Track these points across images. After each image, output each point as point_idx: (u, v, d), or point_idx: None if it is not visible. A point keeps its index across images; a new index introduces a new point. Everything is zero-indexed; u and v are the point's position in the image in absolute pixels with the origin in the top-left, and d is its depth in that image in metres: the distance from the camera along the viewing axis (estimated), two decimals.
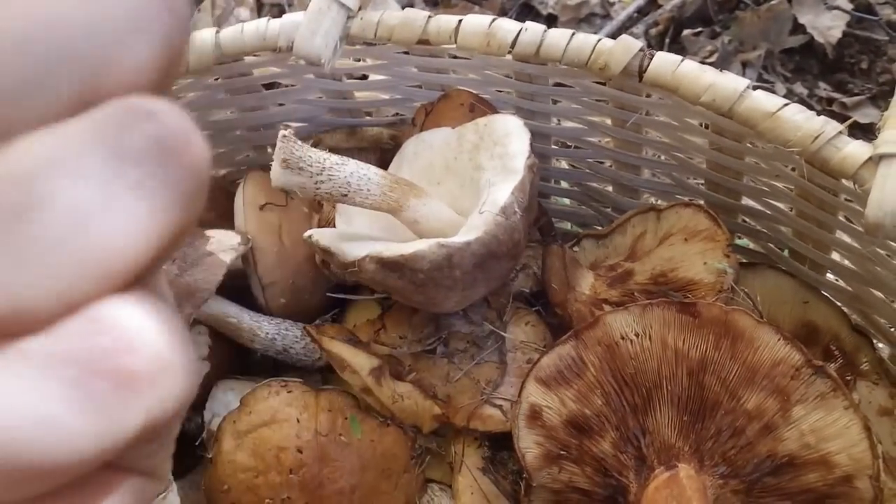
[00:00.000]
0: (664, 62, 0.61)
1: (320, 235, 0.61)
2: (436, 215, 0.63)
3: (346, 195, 0.58)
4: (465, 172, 0.65)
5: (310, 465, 0.64)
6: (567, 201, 0.88)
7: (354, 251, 0.59)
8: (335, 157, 0.56)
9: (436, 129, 0.70)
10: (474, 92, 0.76)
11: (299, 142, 0.53)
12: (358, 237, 0.64)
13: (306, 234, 0.62)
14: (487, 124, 0.64)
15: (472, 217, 0.60)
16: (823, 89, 1.41)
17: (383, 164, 0.83)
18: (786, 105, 0.58)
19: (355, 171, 0.57)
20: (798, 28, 1.45)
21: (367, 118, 0.84)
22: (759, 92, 0.59)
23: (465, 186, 0.65)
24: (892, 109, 0.55)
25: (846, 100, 1.38)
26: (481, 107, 0.77)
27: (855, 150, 0.56)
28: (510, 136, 0.62)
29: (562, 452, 0.61)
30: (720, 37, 1.48)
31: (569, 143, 0.82)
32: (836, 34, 1.42)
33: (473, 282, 0.62)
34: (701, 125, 0.68)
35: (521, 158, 0.60)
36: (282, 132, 0.52)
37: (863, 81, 1.41)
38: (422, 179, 0.67)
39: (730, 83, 0.59)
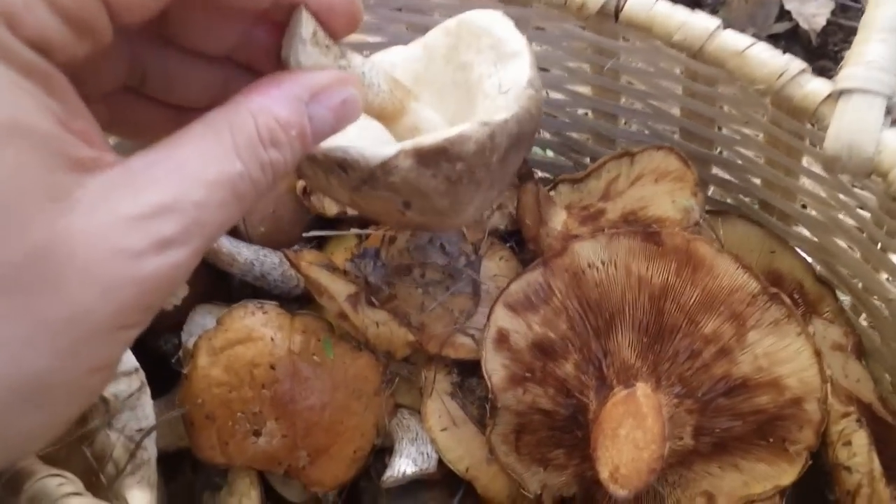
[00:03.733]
0: (639, 1, 0.63)
1: (329, 144, 0.49)
2: (433, 122, 0.56)
3: None
4: (443, 78, 0.59)
5: (282, 381, 0.66)
6: (549, 153, 0.90)
7: (380, 151, 0.49)
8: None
9: (391, 47, 0.61)
10: None
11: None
12: (366, 141, 0.53)
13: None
14: (460, 22, 0.56)
15: (492, 101, 0.53)
16: None
17: None
18: (753, 44, 0.60)
19: (367, 62, 0.50)
20: (784, 14, 1.47)
21: None
22: (729, 31, 0.61)
23: (444, 93, 0.59)
24: (853, 48, 0.57)
25: None
26: None
27: (817, 87, 0.58)
28: (495, 24, 0.55)
29: (527, 374, 0.63)
30: None
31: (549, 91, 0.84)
32: (821, 21, 1.45)
33: (497, 177, 0.55)
34: (676, 70, 0.70)
35: (518, 40, 0.53)
36: (301, 5, 0.44)
37: None
38: None
39: (701, 22, 0.61)
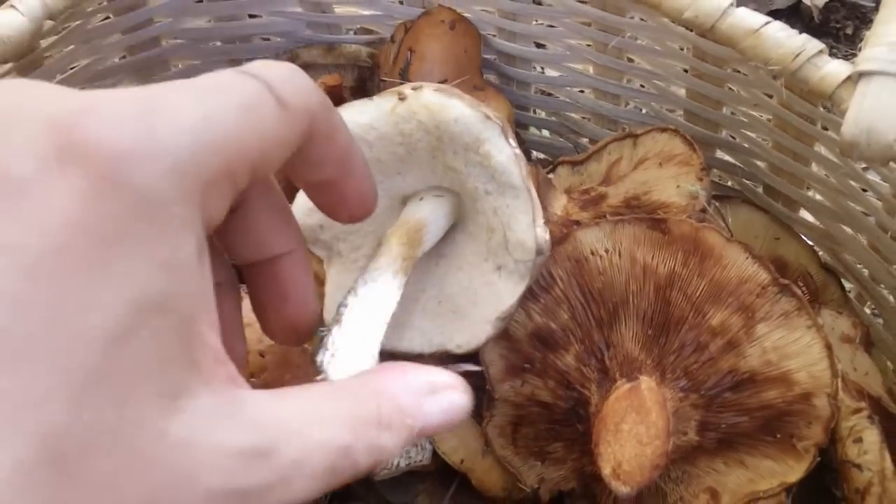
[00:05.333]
0: None
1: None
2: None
3: None
4: (434, 165, 0.55)
5: (272, 369, 0.63)
6: (545, 133, 0.87)
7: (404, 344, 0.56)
8: None
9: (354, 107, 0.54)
10: (456, 9, 0.74)
11: None
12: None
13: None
14: (438, 126, 0.51)
15: (505, 260, 0.54)
16: None
17: (360, 81, 0.82)
18: (768, 23, 0.57)
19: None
20: None
21: (346, 35, 0.82)
22: (742, 9, 0.58)
23: (437, 173, 0.56)
24: (874, 29, 0.54)
25: None
26: (462, 25, 0.75)
27: (835, 69, 0.55)
28: (482, 142, 0.51)
29: (526, 365, 0.61)
30: None
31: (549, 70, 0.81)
32: None
33: None
34: (682, 49, 0.68)
35: (513, 171, 0.50)
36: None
37: (847, 47, 1.41)
38: (377, 174, 0.54)
39: None
